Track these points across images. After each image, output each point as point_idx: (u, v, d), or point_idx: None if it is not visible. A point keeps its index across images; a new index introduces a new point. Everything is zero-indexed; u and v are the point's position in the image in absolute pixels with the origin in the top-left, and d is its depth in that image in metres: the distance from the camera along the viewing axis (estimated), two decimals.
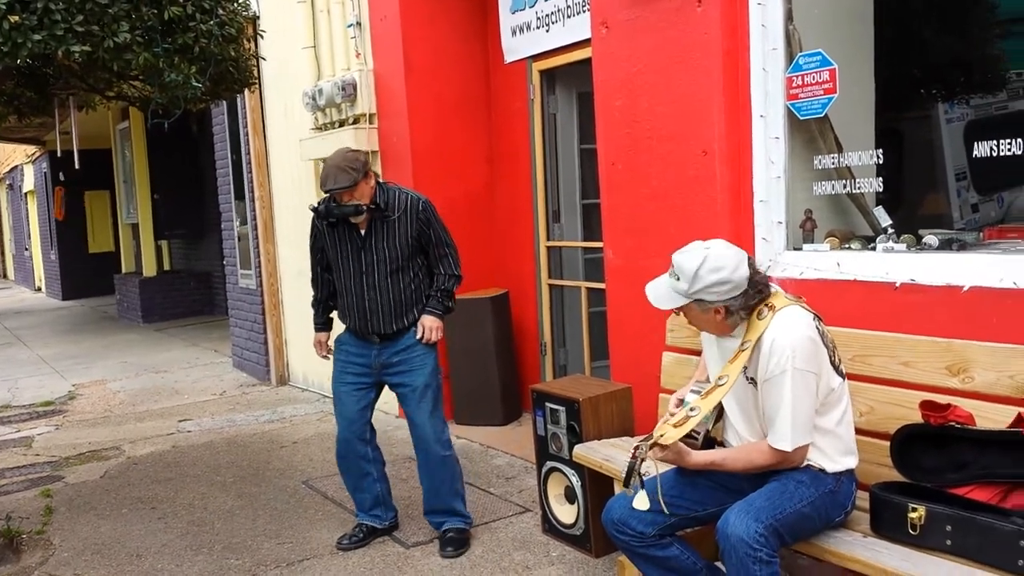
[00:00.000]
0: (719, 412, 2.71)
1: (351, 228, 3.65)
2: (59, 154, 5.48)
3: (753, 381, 2.52)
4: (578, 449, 3.45)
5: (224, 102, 7.64)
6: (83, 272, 16.59)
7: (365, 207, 3.56)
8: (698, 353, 3.53)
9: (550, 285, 5.60)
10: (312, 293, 3.98)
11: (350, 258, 3.68)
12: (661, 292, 2.60)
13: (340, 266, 3.72)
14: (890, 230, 3.33)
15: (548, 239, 5.58)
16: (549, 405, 3.69)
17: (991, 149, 3.01)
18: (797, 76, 3.34)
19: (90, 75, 4.02)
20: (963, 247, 3.09)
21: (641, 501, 2.34)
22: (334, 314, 3.96)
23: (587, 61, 5.06)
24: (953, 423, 2.48)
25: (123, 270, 13.83)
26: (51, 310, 15.72)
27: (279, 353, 7.65)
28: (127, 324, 12.59)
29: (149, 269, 12.58)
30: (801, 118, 3.37)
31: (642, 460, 2.30)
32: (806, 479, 2.49)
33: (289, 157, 7.06)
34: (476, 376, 5.50)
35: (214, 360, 9.12)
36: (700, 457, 2.51)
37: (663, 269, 3.77)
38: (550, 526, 3.79)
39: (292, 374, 7.62)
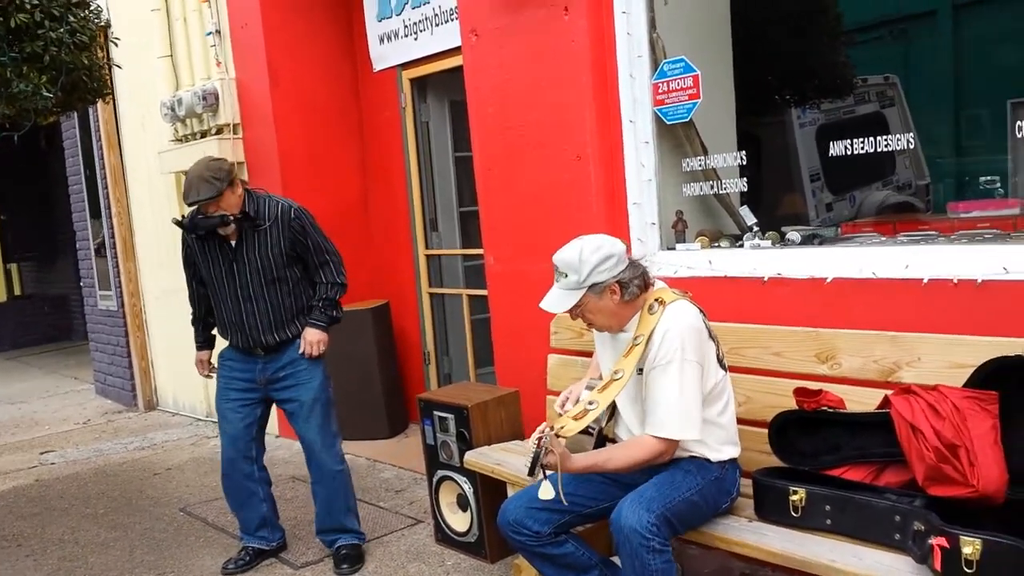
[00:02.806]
0: (612, 409, 2.76)
1: (221, 240, 3.52)
2: None
3: (640, 371, 2.58)
4: (469, 456, 3.45)
5: (75, 115, 7.27)
6: None
7: (232, 217, 3.44)
8: (582, 354, 3.61)
9: (431, 294, 5.58)
10: (191, 311, 3.83)
11: (223, 271, 3.55)
12: (557, 298, 2.62)
13: (214, 280, 3.59)
14: (755, 228, 3.50)
15: (427, 247, 5.55)
16: (437, 413, 3.68)
17: (842, 150, 3.18)
18: (663, 82, 3.46)
19: None
20: (823, 242, 3.28)
21: (546, 491, 2.35)
22: (215, 331, 3.82)
23: (458, 69, 5.07)
24: (825, 407, 2.62)
25: None
26: None
27: (145, 376, 7.32)
28: None
29: None
30: (668, 123, 3.49)
31: (547, 450, 2.32)
32: (692, 468, 2.57)
33: (148, 170, 6.77)
34: (359, 389, 5.41)
35: (75, 388, 8.63)
36: (581, 461, 2.50)
37: (545, 272, 3.82)
38: (443, 535, 3.77)
39: (161, 398, 7.30)
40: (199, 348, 3.84)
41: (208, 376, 3.84)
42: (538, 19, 3.64)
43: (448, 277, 5.58)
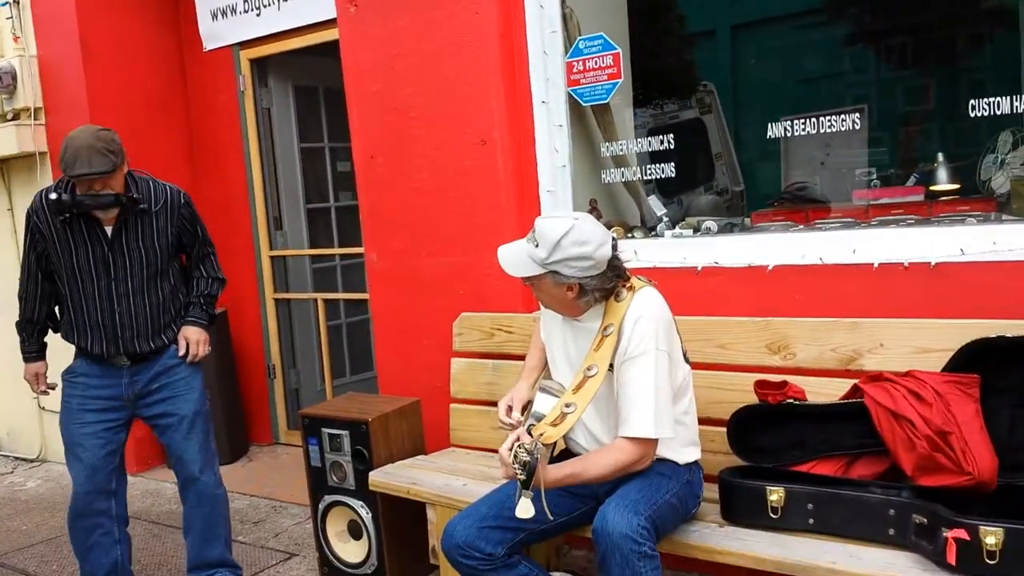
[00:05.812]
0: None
1: (92, 225, 2.90)
2: None
3: (610, 367, 2.32)
4: (375, 476, 3.03)
5: None
6: None
7: (125, 198, 2.86)
8: (491, 356, 3.31)
9: (276, 300, 5.04)
10: (20, 311, 3.12)
11: (92, 262, 2.93)
12: (515, 257, 2.31)
13: (78, 273, 2.95)
14: (665, 218, 3.36)
15: (271, 248, 5.01)
16: (326, 431, 3.23)
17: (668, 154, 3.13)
18: (578, 61, 3.23)
19: None
20: (744, 230, 3.18)
21: (525, 509, 2.04)
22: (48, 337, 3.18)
23: (306, 50, 4.65)
24: (792, 400, 2.48)
25: None
26: None
27: None
28: None
29: None
30: (584, 104, 3.26)
31: (539, 460, 2.00)
32: (666, 471, 2.34)
33: None
34: None
35: None
36: (557, 472, 2.22)
37: (444, 268, 3.51)
38: (332, 569, 3.31)
39: None
40: (33, 359, 3.14)
41: (44, 393, 3.16)
42: None
43: (295, 281, 5.07)
